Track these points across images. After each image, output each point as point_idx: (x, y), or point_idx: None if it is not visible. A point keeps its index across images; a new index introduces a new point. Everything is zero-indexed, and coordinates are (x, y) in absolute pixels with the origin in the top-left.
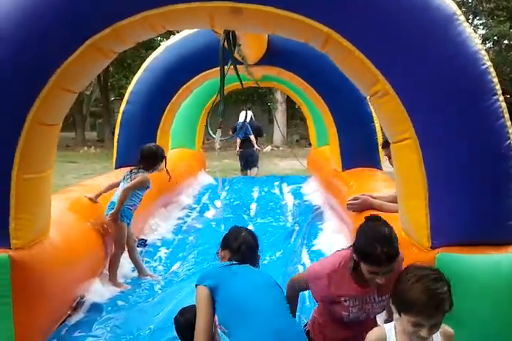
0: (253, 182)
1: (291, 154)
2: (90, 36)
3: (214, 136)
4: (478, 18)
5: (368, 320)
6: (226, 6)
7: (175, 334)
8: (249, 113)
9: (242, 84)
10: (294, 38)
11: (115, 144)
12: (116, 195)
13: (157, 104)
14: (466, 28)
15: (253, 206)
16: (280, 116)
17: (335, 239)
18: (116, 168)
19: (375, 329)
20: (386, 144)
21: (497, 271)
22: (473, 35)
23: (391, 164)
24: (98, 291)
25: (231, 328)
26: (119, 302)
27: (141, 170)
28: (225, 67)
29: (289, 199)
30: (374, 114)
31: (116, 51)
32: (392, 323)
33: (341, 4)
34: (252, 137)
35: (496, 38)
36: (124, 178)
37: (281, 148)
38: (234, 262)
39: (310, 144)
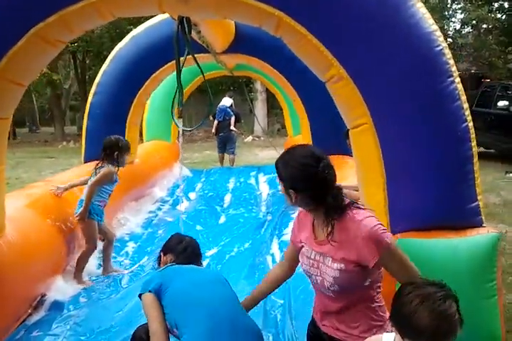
0: (230, 173)
1: (270, 144)
2: (34, 25)
3: (181, 127)
4: (456, 2)
5: (338, 299)
6: None
7: None
8: (230, 100)
9: (202, 73)
10: (246, 22)
11: (83, 137)
12: (85, 192)
13: (125, 95)
14: (420, 9)
15: (227, 197)
16: (261, 105)
17: None
18: (85, 161)
19: (373, 337)
20: (348, 134)
21: (456, 255)
22: (427, 15)
23: None
24: (60, 289)
25: (180, 328)
26: (82, 300)
27: (105, 165)
28: (183, 57)
29: (264, 189)
30: None
31: (64, 40)
32: (393, 334)
33: None
34: (232, 119)
35: (474, 22)
36: (92, 174)
37: (262, 138)
38: (175, 263)
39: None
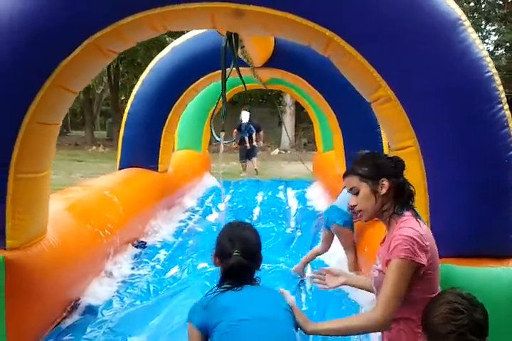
0: (258, 186)
1: (298, 158)
2: (90, 35)
3: (218, 139)
4: (490, 23)
5: None
6: (227, 7)
7: None
8: (247, 113)
9: (245, 86)
10: (296, 40)
11: (120, 145)
12: (340, 198)
13: (163, 105)
14: (471, 34)
15: (256, 210)
16: (289, 119)
17: (337, 246)
18: (120, 168)
19: None
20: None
21: (498, 284)
22: (477, 41)
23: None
24: (94, 293)
25: None
26: (115, 305)
27: None
28: (228, 69)
29: (292, 204)
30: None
31: (116, 51)
32: None
33: (344, 8)
34: (254, 134)
35: (508, 44)
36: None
37: (288, 152)
38: (226, 286)
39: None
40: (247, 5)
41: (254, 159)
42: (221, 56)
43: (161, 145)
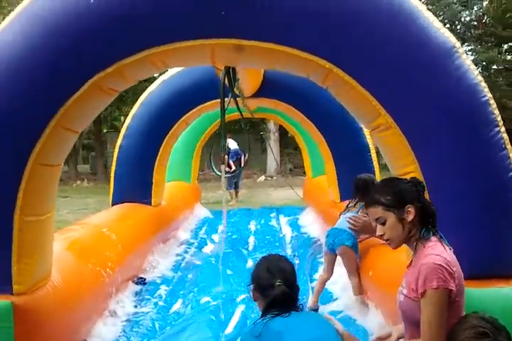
0: (249, 215)
1: (284, 184)
2: (94, 75)
3: (219, 174)
4: (466, 44)
5: (406, 329)
6: (228, 43)
7: None
8: (232, 140)
9: (242, 116)
10: (294, 73)
11: (112, 179)
12: (343, 222)
13: (154, 138)
14: (466, 61)
15: (251, 239)
16: (273, 145)
17: (338, 272)
18: (113, 204)
19: None
20: None
21: (507, 305)
22: (472, 67)
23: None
24: (100, 334)
25: None
26: None
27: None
28: (226, 99)
29: (286, 232)
30: (370, 145)
31: (118, 89)
32: None
33: (343, 40)
34: (242, 158)
35: (484, 63)
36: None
37: (274, 178)
38: (274, 312)
39: (304, 173)
40: (247, 40)
41: (237, 190)
42: (219, 89)
43: (153, 179)
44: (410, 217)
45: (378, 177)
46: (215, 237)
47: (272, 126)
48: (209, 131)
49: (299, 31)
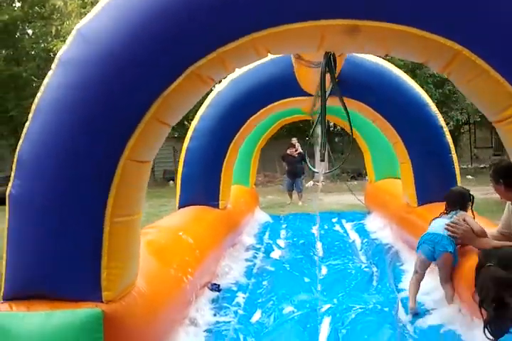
0: (310, 219)
1: (334, 189)
2: (193, 63)
3: (316, 170)
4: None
5: None
6: (342, 24)
7: None
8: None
9: (348, 115)
10: (411, 58)
11: (178, 182)
12: (439, 227)
13: (222, 140)
14: None
15: (319, 245)
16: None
17: (425, 282)
18: (180, 206)
19: None
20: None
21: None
22: None
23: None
24: None
25: None
26: None
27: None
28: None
29: (354, 237)
30: (451, 145)
31: (216, 79)
32: None
33: (477, 19)
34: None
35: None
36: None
37: (323, 183)
38: None
39: (352, 178)
40: (364, 20)
41: (301, 193)
42: (320, 79)
43: (221, 181)
44: None
45: (458, 180)
46: (280, 242)
47: (319, 130)
48: (268, 133)
49: (427, 9)
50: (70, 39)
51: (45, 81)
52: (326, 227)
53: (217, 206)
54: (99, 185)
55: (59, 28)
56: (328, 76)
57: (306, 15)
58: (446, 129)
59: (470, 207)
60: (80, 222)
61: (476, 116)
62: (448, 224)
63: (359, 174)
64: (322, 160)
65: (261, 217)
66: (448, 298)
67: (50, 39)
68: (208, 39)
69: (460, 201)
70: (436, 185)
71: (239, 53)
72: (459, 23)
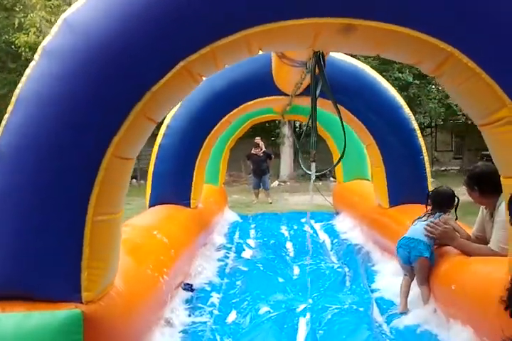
0: (278, 219)
1: (299, 189)
2: (185, 57)
3: (309, 172)
4: None
5: None
6: (337, 23)
7: None
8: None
9: (339, 112)
10: (403, 58)
11: (149, 180)
12: (416, 231)
13: (195, 139)
14: None
15: (289, 245)
16: (288, 150)
17: (398, 282)
18: (150, 205)
19: None
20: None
21: None
22: None
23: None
24: None
25: None
26: None
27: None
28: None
29: (324, 238)
30: (423, 146)
31: (206, 75)
32: None
33: (469, 21)
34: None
35: None
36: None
37: (288, 183)
38: None
39: (317, 178)
40: (360, 19)
41: (268, 191)
42: (311, 78)
43: (193, 180)
44: None
45: (429, 182)
46: (251, 242)
47: (286, 130)
48: (238, 133)
49: (421, 10)
50: (55, 29)
51: (27, 72)
52: (295, 227)
53: (188, 205)
54: (82, 181)
55: (22, 20)
56: (308, 76)
57: (301, 13)
58: (418, 132)
59: (454, 209)
60: (61, 220)
61: (438, 119)
62: (428, 225)
63: (323, 175)
64: (313, 160)
65: (230, 216)
66: (424, 298)
67: (12, 32)
68: (201, 33)
69: (446, 202)
70: (408, 186)
71: (231, 49)
72: (452, 25)
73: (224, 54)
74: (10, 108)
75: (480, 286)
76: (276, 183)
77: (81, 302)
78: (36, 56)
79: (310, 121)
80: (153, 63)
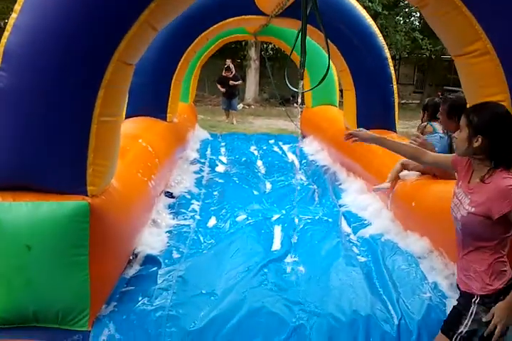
0: (248, 140)
1: (263, 113)
2: (141, 12)
3: (295, 90)
4: None
5: (464, 245)
6: None
7: None
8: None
9: (326, 36)
10: None
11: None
12: None
13: (173, 53)
14: None
15: (259, 163)
16: (253, 73)
17: (362, 199)
18: (127, 116)
19: None
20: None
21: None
22: None
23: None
24: (149, 243)
25: None
26: (174, 255)
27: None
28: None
29: (292, 158)
30: (393, 76)
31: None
32: None
33: None
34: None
35: None
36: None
37: (252, 106)
38: None
39: (281, 103)
40: None
41: (234, 112)
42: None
43: (170, 94)
44: (476, 145)
45: (396, 110)
46: (223, 159)
47: (253, 53)
48: (209, 51)
49: None
50: None
51: None
52: (264, 148)
53: (164, 119)
54: (90, 80)
55: None
56: None
57: None
58: (390, 61)
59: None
60: (71, 117)
61: (403, 52)
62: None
63: (287, 100)
64: (301, 78)
65: (200, 133)
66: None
67: None
68: None
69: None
70: (376, 112)
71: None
72: None
73: (169, 6)
74: (17, 7)
75: (437, 204)
76: (240, 106)
77: (87, 195)
78: None
79: (299, 41)
80: (118, 20)
